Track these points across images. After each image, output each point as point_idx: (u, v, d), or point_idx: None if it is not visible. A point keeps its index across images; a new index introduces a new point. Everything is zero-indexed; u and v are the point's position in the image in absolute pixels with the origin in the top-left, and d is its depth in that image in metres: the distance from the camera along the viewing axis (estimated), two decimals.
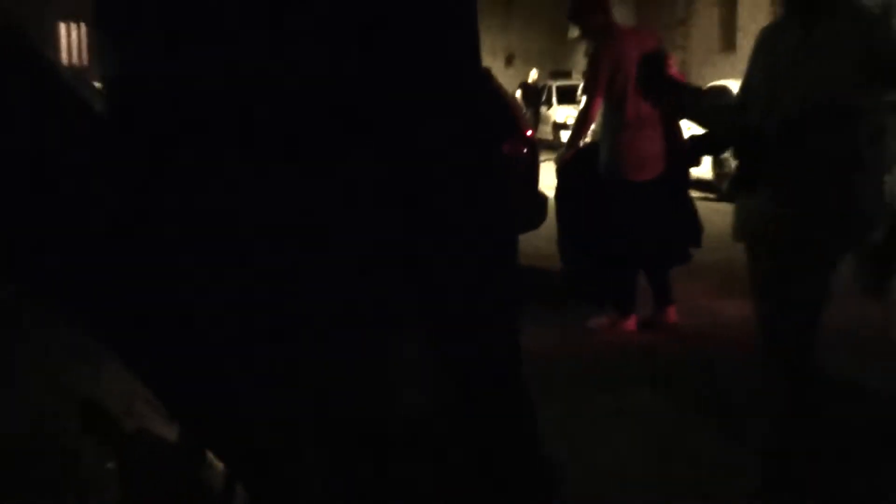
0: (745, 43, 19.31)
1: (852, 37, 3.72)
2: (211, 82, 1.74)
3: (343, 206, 1.84)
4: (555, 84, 31.25)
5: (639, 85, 4.34)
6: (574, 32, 7.20)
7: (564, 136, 26.38)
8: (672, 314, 7.22)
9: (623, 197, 6.88)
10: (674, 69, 7.34)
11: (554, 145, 21.91)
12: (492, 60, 37.23)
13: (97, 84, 2.50)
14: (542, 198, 9.31)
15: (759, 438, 4.18)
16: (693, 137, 4.97)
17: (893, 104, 3.82)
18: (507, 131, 8.98)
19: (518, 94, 28.60)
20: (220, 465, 2.34)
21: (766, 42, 4.04)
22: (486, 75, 9.82)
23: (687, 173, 7.47)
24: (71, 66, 27.66)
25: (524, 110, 21.40)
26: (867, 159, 3.79)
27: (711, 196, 14.50)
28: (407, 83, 1.87)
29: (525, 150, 9.18)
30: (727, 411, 5.30)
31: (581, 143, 7.32)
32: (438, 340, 1.99)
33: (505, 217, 2.15)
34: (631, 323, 7.12)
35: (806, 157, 3.78)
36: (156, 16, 1.76)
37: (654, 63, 4.21)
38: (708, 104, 4.62)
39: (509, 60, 42.18)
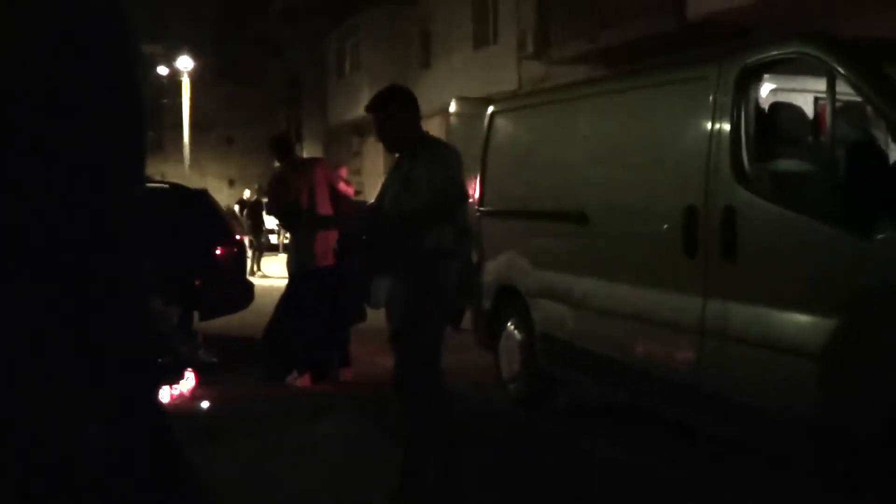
0: None
1: (424, 172, 5.48)
2: None
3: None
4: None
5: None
6: (275, 163, 9.97)
7: (272, 237, 29.58)
8: (348, 373, 9.53)
9: (311, 282, 9.27)
10: (343, 184, 10.07)
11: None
12: (217, 182, 50.31)
13: None
14: (249, 284, 11.64)
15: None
16: (344, 237, 7.12)
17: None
18: (220, 235, 11.35)
19: (236, 207, 31.81)
20: None
21: (391, 170, 5.86)
22: (205, 194, 12.24)
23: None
24: None
25: (242, 220, 26.69)
26: (454, 252, 5.54)
27: None
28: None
29: (235, 249, 11.52)
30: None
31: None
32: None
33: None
34: (306, 379, 9.33)
35: (406, 250, 5.53)
36: None
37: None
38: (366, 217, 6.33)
39: (231, 183, 53.83)
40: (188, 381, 9.02)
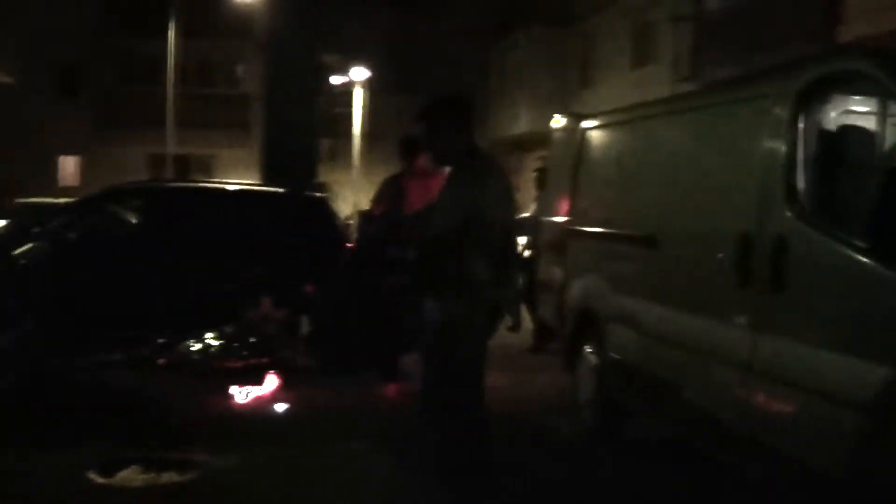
0: None
1: (455, 194, 5.41)
2: None
3: None
4: None
5: None
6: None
7: None
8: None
9: None
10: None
11: None
12: None
13: None
14: None
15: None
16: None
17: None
18: (334, 242, 11.37)
19: None
20: None
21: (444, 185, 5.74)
22: (323, 201, 12.16)
23: None
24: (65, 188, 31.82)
25: None
26: (482, 280, 5.33)
27: None
28: None
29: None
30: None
31: None
32: None
33: None
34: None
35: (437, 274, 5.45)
36: None
37: None
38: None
39: None
40: (270, 383, 9.01)
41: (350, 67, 54.11)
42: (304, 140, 15.98)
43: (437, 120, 5.59)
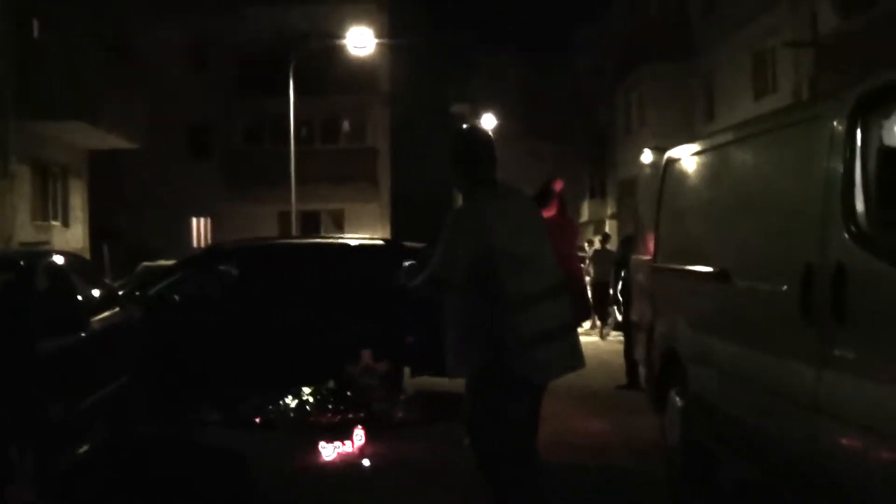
0: None
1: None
2: None
3: None
4: None
5: None
6: None
7: None
8: None
9: None
10: None
11: None
12: None
13: None
14: None
15: None
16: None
17: None
18: None
19: None
20: None
21: None
22: (422, 251, 11.99)
23: None
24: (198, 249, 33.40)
25: None
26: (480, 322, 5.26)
27: None
28: None
29: None
30: None
31: None
32: None
33: None
34: None
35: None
36: None
37: None
38: None
39: None
40: (358, 437, 8.90)
41: (480, 116, 54.45)
42: (434, 191, 16.02)
43: (450, 155, 5.55)
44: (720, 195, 6.80)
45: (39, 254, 9.77)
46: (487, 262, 5.12)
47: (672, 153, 8.15)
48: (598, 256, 21.20)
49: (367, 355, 10.70)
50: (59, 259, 8.43)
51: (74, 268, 8.66)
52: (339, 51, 34.20)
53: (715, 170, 7.02)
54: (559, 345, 5.32)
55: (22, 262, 7.82)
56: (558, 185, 9.04)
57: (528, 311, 5.15)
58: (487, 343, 5.18)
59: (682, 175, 7.77)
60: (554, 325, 5.28)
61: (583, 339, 6.06)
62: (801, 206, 5.39)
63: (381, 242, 13.61)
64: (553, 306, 5.30)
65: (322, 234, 31.36)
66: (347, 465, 8.31)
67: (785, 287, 5.37)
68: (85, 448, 7.62)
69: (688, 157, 7.70)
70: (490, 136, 5.75)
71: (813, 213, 5.16)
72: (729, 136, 6.91)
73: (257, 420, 10.05)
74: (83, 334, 7.67)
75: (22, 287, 7.36)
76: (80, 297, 8.23)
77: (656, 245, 8.33)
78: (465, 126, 5.89)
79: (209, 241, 36.18)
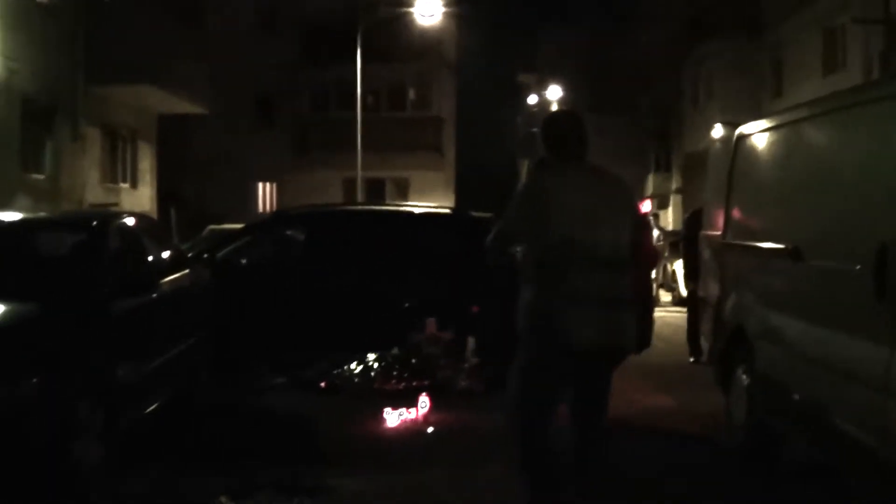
0: None
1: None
2: None
3: None
4: None
5: None
6: None
7: None
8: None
9: None
10: None
11: None
12: None
13: None
14: None
15: None
16: None
17: None
18: None
19: None
20: None
21: None
22: (488, 220, 11.96)
23: None
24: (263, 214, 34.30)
25: None
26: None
27: None
28: None
29: None
30: None
31: None
32: None
33: None
34: None
35: None
36: None
37: None
38: None
39: None
40: (423, 405, 8.94)
41: (546, 87, 54.04)
42: (500, 160, 16.00)
43: None
44: (793, 172, 6.72)
45: (112, 214, 9.85)
46: (546, 230, 5.11)
47: (744, 128, 8.05)
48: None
49: (431, 324, 10.73)
50: (130, 220, 8.53)
51: (145, 229, 8.77)
52: (406, 19, 34.15)
53: (788, 146, 6.94)
54: (601, 315, 5.11)
55: (95, 223, 7.92)
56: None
57: (580, 274, 5.10)
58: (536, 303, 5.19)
59: (754, 151, 7.68)
60: (601, 294, 5.10)
61: None
62: (876, 184, 5.31)
63: (447, 211, 13.60)
64: (607, 277, 5.20)
65: (387, 202, 31.41)
66: (411, 433, 8.36)
67: (858, 266, 5.30)
68: (153, 407, 7.74)
69: (760, 132, 7.61)
70: (579, 117, 5.66)
71: (888, 191, 5.09)
72: (803, 113, 6.81)
73: (322, 384, 10.14)
74: (154, 295, 7.76)
75: (95, 247, 7.47)
76: (150, 258, 8.34)
77: (726, 221, 8.25)
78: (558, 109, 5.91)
79: (274, 207, 36.43)
